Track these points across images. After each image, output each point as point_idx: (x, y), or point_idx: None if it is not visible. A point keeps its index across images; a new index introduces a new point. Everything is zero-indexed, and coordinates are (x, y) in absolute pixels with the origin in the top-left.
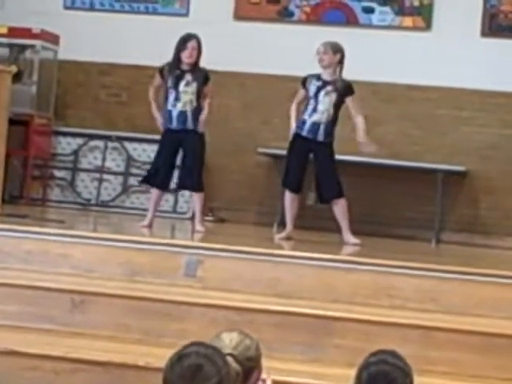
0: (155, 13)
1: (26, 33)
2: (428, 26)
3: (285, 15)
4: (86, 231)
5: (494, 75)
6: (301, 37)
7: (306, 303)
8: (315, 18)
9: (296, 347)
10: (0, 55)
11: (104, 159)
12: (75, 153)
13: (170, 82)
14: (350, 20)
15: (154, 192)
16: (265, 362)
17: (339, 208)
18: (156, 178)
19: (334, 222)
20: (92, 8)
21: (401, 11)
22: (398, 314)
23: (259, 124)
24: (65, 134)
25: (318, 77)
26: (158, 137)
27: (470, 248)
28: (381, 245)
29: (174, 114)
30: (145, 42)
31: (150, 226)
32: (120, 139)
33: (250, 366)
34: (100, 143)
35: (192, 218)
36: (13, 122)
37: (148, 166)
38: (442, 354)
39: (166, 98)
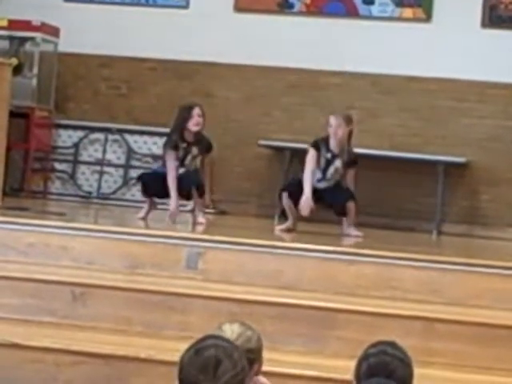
0: (155, 5)
1: (26, 25)
2: (428, 17)
3: (285, 7)
4: (86, 224)
5: (494, 66)
6: (301, 28)
7: (307, 295)
8: (316, 9)
9: (298, 339)
10: (0, 48)
11: (104, 152)
12: (76, 145)
13: (186, 152)
14: (350, 11)
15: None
16: (266, 354)
17: (350, 210)
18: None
19: (333, 214)
20: (92, 0)
21: (401, 2)
22: (399, 306)
23: (260, 116)
24: (65, 127)
25: (326, 146)
26: (157, 129)
27: (471, 239)
28: (382, 236)
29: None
30: (145, 34)
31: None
32: (120, 132)
33: (251, 357)
34: (100, 136)
35: (193, 211)
36: (13, 114)
37: (149, 158)
38: (443, 345)
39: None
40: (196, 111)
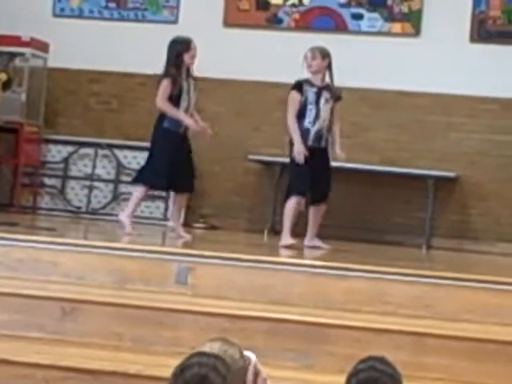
0: (144, 20)
1: (16, 41)
2: (417, 32)
3: (274, 22)
4: (76, 239)
5: (483, 81)
6: (290, 43)
7: (297, 310)
8: (304, 24)
9: (288, 354)
10: None
11: (94, 167)
12: (65, 160)
13: (181, 84)
14: (339, 26)
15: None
16: None
17: (322, 212)
18: (167, 179)
19: (325, 229)
20: (81, 16)
21: (390, 17)
22: (390, 321)
23: (249, 131)
24: (55, 142)
25: (310, 83)
26: (147, 144)
27: (461, 254)
28: (372, 251)
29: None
30: (134, 49)
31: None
32: (110, 147)
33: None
34: (90, 151)
35: (183, 225)
36: (2, 129)
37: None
38: (434, 360)
39: (177, 101)
40: (193, 44)
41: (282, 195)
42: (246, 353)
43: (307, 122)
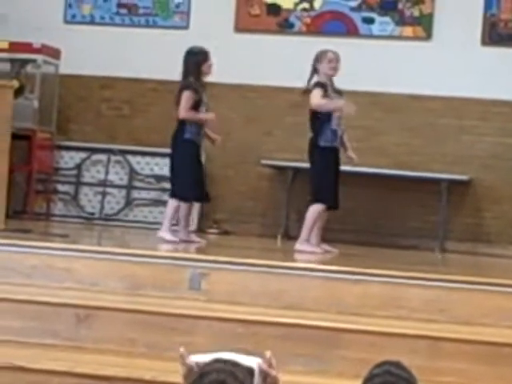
0: (155, 26)
1: (27, 47)
2: (428, 35)
3: (285, 27)
4: (89, 245)
5: (495, 84)
6: (302, 48)
7: (312, 315)
8: (316, 29)
9: (302, 359)
10: (1, 70)
11: (107, 173)
12: (78, 167)
13: (201, 95)
14: (351, 30)
15: (187, 205)
16: None
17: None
18: (198, 190)
19: (338, 233)
20: (92, 22)
21: (401, 21)
22: (404, 325)
23: (262, 136)
24: (67, 149)
25: (328, 86)
26: (160, 150)
27: (475, 257)
28: (386, 255)
29: (204, 129)
30: (145, 55)
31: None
32: (122, 152)
33: None
34: (103, 157)
35: (196, 231)
36: (15, 136)
37: (151, 179)
38: (449, 364)
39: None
40: (210, 55)
41: (295, 200)
42: (252, 358)
43: (333, 124)
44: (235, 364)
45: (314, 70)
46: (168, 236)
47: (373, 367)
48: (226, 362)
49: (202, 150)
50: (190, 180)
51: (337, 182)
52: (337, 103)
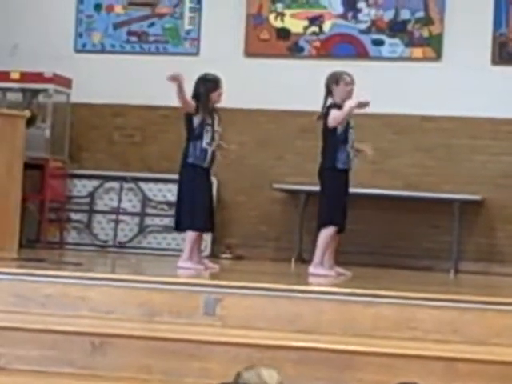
0: (166, 53)
1: (39, 77)
2: (438, 56)
3: (295, 50)
4: (103, 273)
5: (507, 103)
6: (312, 71)
7: (326, 338)
8: (325, 52)
9: (318, 383)
10: (13, 100)
11: (120, 200)
12: (91, 195)
13: (206, 119)
14: (360, 53)
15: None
16: None
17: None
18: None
19: (352, 255)
20: (103, 50)
21: (410, 42)
22: (419, 347)
23: (273, 160)
24: (80, 177)
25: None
26: (172, 176)
27: (489, 277)
28: (399, 276)
29: (209, 152)
30: (156, 82)
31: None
32: (135, 180)
33: None
34: (115, 184)
35: (209, 256)
36: (28, 166)
37: (164, 206)
38: None
39: (200, 135)
40: (221, 83)
41: (308, 223)
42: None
43: (348, 147)
44: None
45: (329, 92)
46: (188, 265)
47: None
48: None
49: (210, 174)
50: (195, 207)
51: (346, 205)
52: (350, 103)
